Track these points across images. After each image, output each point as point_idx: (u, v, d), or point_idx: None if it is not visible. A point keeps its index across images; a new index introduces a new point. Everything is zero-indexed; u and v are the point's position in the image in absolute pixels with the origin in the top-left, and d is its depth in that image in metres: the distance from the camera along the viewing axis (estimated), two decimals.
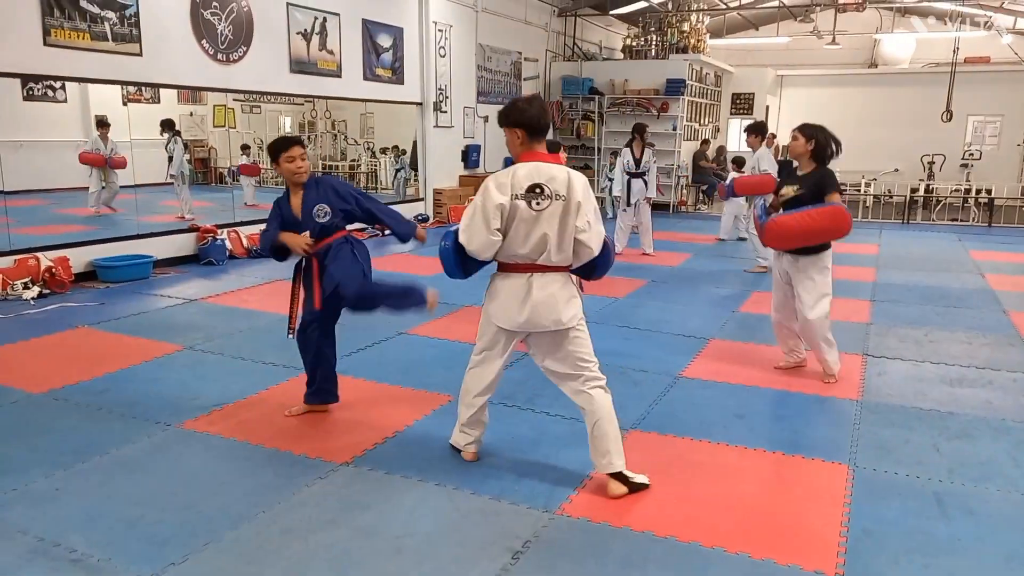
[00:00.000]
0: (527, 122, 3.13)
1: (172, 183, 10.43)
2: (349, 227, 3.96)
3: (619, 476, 3.23)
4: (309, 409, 4.08)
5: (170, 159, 10.50)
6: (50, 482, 3.29)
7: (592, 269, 3.26)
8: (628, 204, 9.30)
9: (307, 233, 3.80)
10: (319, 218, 3.79)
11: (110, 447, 3.65)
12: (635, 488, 3.25)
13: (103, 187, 10.13)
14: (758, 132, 8.48)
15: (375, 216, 3.99)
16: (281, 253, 3.94)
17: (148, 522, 2.98)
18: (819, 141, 4.47)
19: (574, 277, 3.29)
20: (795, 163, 4.74)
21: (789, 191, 4.54)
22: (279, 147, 3.80)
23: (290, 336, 4.03)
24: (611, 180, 13.09)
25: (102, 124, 9.87)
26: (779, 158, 16.47)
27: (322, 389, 4.07)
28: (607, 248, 3.23)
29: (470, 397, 3.45)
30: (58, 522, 2.97)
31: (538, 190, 3.07)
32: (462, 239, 3.13)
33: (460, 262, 3.20)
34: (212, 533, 2.89)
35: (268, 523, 2.98)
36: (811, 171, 4.54)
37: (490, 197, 3.07)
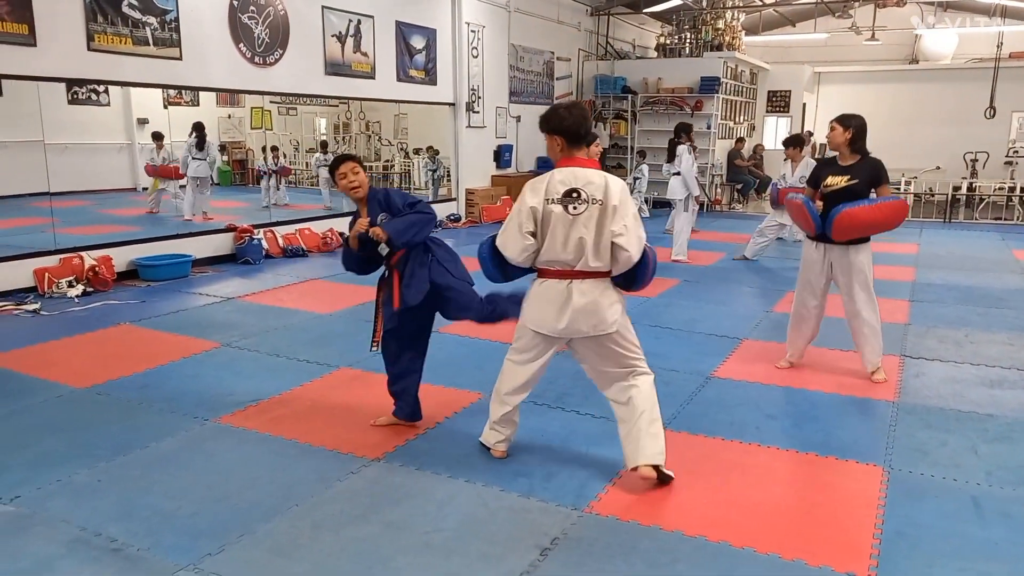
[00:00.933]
0: (566, 130, 3.16)
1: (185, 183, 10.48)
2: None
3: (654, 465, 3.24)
4: (392, 422, 3.95)
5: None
6: (91, 474, 3.39)
7: (632, 279, 3.22)
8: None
9: (364, 220, 3.71)
10: None
11: (149, 441, 3.75)
12: (663, 478, 3.26)
13: (162, 191, 10.42)
14: (798, 144, 8.56)
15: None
16: (365, 264, 3.85)
17: (185, 514, 3.05)
18: (856, 129, 4.51)
19: None
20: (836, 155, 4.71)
21: (839, 181, 4.51)
22: (332, 167, 3.77)
23: (373, 349, 3.89)
24: (637, 179, 13.02)
25: (157, 137, 10.12)
26: (816, 156, 16.23)
27: (406, 403, 3.94)
28: (647, 256, 3.18)
29: (502, 395, 3.47)
30: (98, 513, 3.06)
31: (575, 194, 3.09)
32: (499, 244, 3.19)
33: (499, 265, 3.26)
34: (246, 526, 2.96)
35: (300, 517, 3.04)
36: (858, 161, 4.54)
37: (524, 201, 3.12)
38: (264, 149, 12.32)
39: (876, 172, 4.50)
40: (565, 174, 3.13)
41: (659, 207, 13.96)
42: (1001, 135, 16.39)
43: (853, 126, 4.50)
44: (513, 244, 3.14)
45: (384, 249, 3.70)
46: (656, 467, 3.24)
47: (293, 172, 13.20)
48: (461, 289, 3.75)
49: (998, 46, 15.73)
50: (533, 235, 3.12)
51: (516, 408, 3.49)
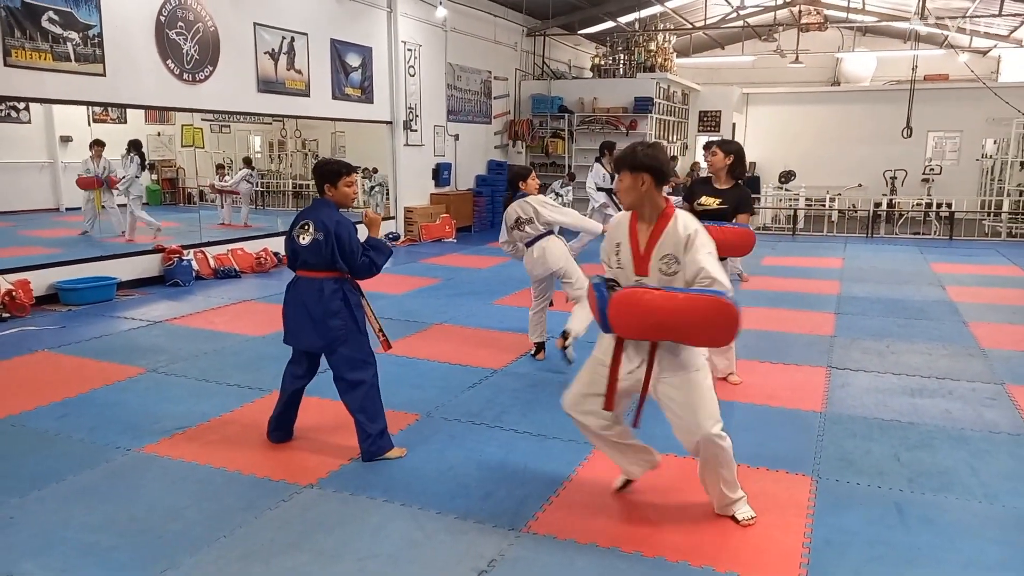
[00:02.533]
0: (653, 167, 2.90)
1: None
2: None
3: None
4: None
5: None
6: (3, 511, 3.21)
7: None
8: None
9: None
10: None
11: (67, 474, 3.57)
12: None
13: (98, 209, 9.96)
14: (611, 150, 9.64)
15: None
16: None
17: (104, 548, 2.91)
18: (737, 156, 4.71)
19: None
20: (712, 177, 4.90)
21: (711, 202, 4.70)
22: (345, 172, 3.75)
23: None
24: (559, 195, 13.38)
25: (96, 144, 9.71)
26: (750, 174, 16.69)
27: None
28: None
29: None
30: (11, 550, 2.89)
31: None
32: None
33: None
34: (170, 559, 2.84)
35: (228, 548, 2.93)
36: (731, 187, 4.74)
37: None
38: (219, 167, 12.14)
39: (742, 200, 4.70)
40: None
41: None
42: (918, 153, 17.19)
43: (734, 151, 4.70)
44: None
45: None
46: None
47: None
48: None
49: (913, 69, 16.53)
50: None
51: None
